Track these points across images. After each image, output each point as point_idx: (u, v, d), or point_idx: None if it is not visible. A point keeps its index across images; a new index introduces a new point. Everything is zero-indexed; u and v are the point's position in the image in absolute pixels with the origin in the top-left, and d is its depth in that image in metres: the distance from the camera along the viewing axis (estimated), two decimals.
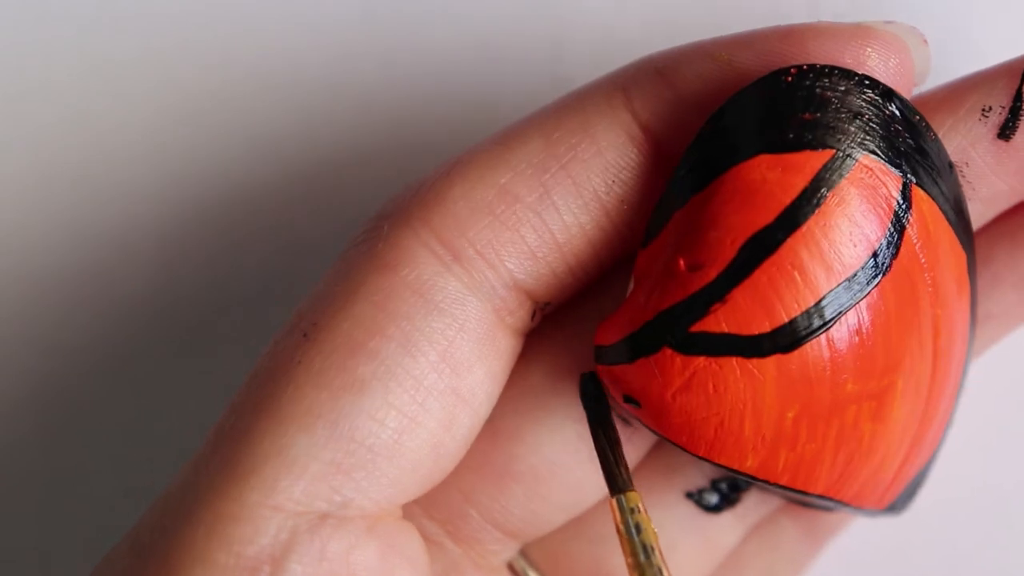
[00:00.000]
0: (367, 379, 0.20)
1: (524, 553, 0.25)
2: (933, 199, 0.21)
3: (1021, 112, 0.21)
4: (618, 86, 0.21)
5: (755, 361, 0.20)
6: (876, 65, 0.21)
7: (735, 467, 0.21)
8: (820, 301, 0.20)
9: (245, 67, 0.28)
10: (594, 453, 0.23)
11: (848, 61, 0.20)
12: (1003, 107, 0.21)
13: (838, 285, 0.20)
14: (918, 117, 0.21)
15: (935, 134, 0.21)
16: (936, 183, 0.21)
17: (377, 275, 0.21)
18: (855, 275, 0.20)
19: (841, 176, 0.20)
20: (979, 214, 0.22)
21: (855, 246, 0.20)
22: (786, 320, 0.20)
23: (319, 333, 0.21)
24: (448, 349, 0.21)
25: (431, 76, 0.28)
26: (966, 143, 0.21)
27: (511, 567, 0.25)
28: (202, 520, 0.20)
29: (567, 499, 0.24)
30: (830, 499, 0.22)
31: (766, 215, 0.20)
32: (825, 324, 0.20)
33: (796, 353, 0.20)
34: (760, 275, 0.20)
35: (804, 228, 0.20)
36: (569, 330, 0.23)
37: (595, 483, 0.23)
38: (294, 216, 0.28)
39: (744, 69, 0.21)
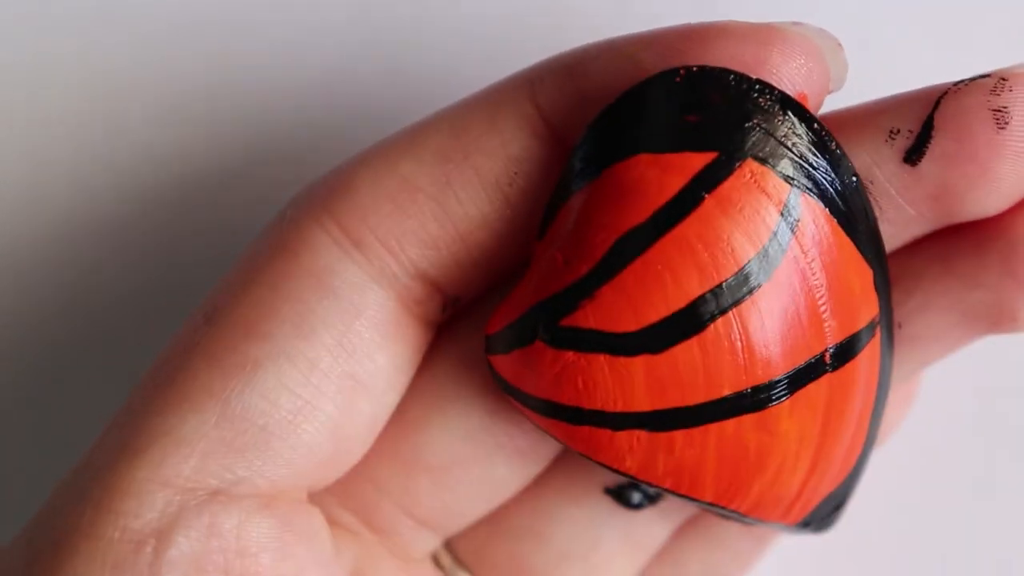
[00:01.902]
0: (260, 360, 0.21)
1: (450, 545, 0.25)
2: (829, 211, 0.20)
3: (929, 139, 0.20)
4: (526, 80, 0.22)
5: (623, 360, 0.20)
6: (779, 67, 0.20)
7: (616, 467, 0.21)
8: (691, 304, 0.20)
9: (244, 66, 0.29)
10: (500, 445, 0.23)
11: (749, 62, 0.20)
12: (911, 131, 0.20)
13: (711, 289, 0.20)
14: (816, 126, 0.20)
15: (838, 146, 0.20)
16: (833, 195, 0.20)
17: (277, 260, 0.21)
18: (730, 281, 0.20)
19: (721, 180, 0.20)
20: (892, 235, 0.21)
21: (732, 251, 0.20)
22: (654, 320, 0.20)
23: (219, 316, 0.21)
24: (345, 334, 0.21)
25: (428, 78, 0.28)
26: (871, 161, 0.21)
27: (435, 559, 0.25)
28: (91, 496, 0.20)
29: (477, 491, 0.24)
30: (723, 508, 0.22)
31: (639, 214, 0.20)
32: (697, 328, 0.20)
33: (666, 355, 0.20)
34: (629, 274, 0.20)
35: (677, 230, 0.20)
36: (478, 321, 0.23)
37: (505, 477, 0.24)
38: None
39: (647, 67, 0.21)
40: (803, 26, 0.21)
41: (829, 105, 0.22)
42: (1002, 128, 0.20)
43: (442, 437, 0.23)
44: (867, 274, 0.21)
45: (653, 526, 0.25)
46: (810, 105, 0.20)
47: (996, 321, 0.22)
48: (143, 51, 0.28)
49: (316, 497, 0.23)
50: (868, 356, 0.22)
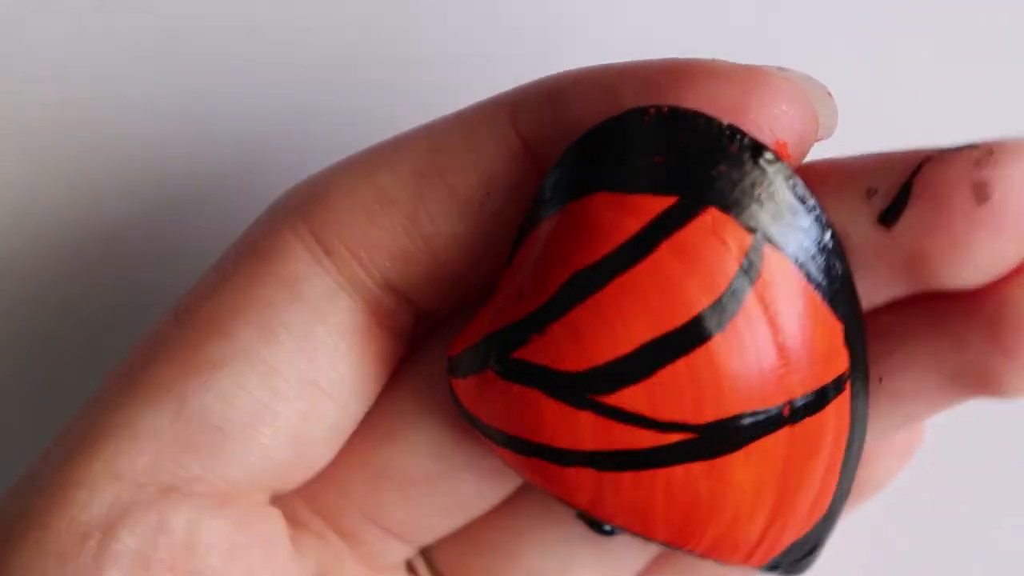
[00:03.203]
0: (219, 361, 0.21)
1: (427, 554, 0.25)
2: (795, 264, 0.20)
3: (906, 204, 0.19)
4: (508, 102, 0.21)
5: (569, 399, 0.20)
6: (758, 112, 0.19)
7: (567, 501, 0.21)
8: (639, 350, 0.19)
9: (243, 66, 0.29)
10: (469, 463, 0.23)
11: (726, 104, 0.19)
12: (889, 193, 0.19)
13: (660, 336, 0.19)
14: (789, 177, 0.19)
15: (813, 199, 0.20)
16: (801, 248, 0.20)
17: (248, 262, 0.21)
18: (681, 328, 0.19)
19: (679, 225, 0.19)
20: (871, 292, 0.21)
21: (685, 300, 0.19)
22: (600, 363, 0.20)
23: (186, 315, 0.21)
24: (308, 339, 0.21)
25: (424, 84, 0.28)
26: (847, 218, 0.20)
27: (411, 567, 0.25)
28: (45, 487, 0.20)
29: (445, 506, 0.23)
30: (679, 548, 0.22)
31: (593, 254, 0.19)
32: (644, 374, 0.19)
33: (613, 396, 0.20)
34: (579, 314, 0.20)
35: (630, 274, 0.19)
36: (451, 337, 0.23)
37: (474, 494, 0.23)
38: None
39: (625, 99, 0.20)
40: (789, 72, 0.20)
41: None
42: (981, 202, 0.19)
43: (410, 450, 0.23)
44: (837, 329, 0.20)
45: (628, 553, 0.25)
46: (791, 153, 0.20)
47: (981, 386, 0.21)
48: (144, 51, 0.29)
49: (284, 498, 0.23)
50: (836, 410, 0.21)
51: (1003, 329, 0.20)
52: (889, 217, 0.19)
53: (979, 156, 0.19)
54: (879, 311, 0.21)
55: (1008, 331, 0.20)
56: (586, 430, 0.20)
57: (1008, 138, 0.19)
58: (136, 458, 0.20)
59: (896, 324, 0.22)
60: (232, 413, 0.21)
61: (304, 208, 0.22)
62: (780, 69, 0.20)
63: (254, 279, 0.21)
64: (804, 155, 0.20)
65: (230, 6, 0.29)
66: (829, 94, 0.20)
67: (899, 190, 0.19)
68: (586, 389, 0.20)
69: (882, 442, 0.25)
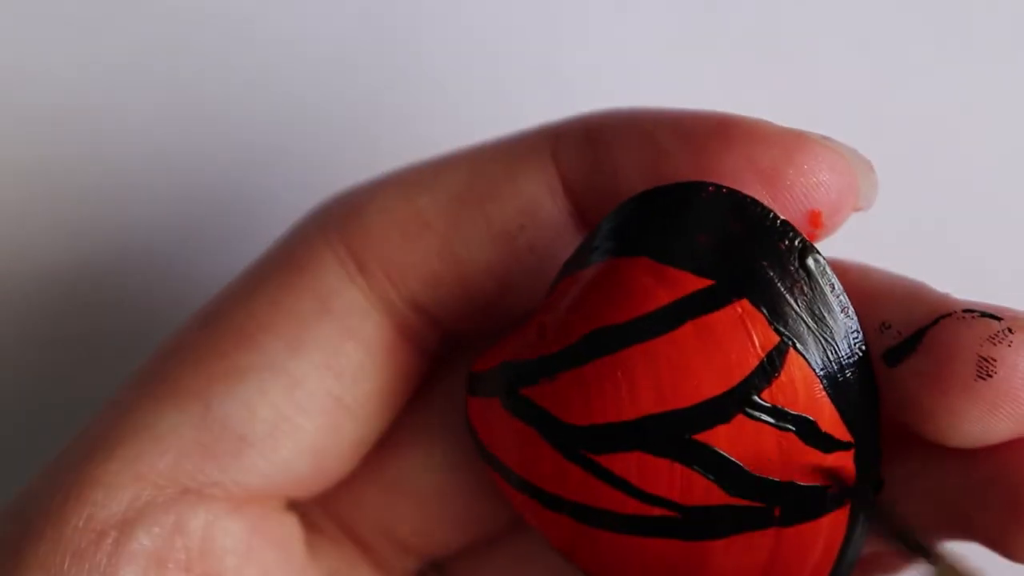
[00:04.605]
0: (245, 369, 0.21)
1: (443, 568, 0.25)
2: (816, 373, 0.19)
3: (913, 351, 0.19)
4: (551, 135, 0.21)
5: (563, 449, 0.20)
6: (795, 180, 0.19)
7: (547, 539, 0.22)
8: (639, 420, 0.19)
9: (247, 67, 0.29)
10: (484, 482, 0.23)
11: (765, 168, 0.19)
12: (900, 333, 0.19)
13: (663, 413, 0.19)
14: (832, 286, 0.19)
15: (851, 312, 0.19)
16: (826, 360, 0.19)
17: (282, 273, 0.21)
18: (685, 411, 0.19)
19: (708, 311, 0.19)
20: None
21: (697, 383, 0.19)
22: (599, 422, 0.20)
23: (214, 321, 0.21)
24: (335, 355, 0.21)
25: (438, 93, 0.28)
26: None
27: None
28: (64, 484, 0.20)
29: (458, 523, 0.23)
30: None
31: (620, 315, 0.19)
32: (638, 444, 0.19)
33: (604, 458, 0.20)
34: (591, 369, 0.20)
35: (649, 344, 0.19)
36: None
37: (487, 513, 0.23)
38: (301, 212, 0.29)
39: (665, 151, 0.20)
40: (832, 141, 0.19)
41: None
42: (982, 378, 0.18)
43: (426, 465, 0.23)
44: (847, 444, 0.20)
45: None
46: (824, 223, 0.20)
47: (993, 546, 0.20)
48: (145, 51, 0.29)
49: (301, 503, 0.23)
50: (832, 522, 0.21)
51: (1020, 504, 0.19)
52: (892, 358, 0.19)
53: (997, 330, 0.18)
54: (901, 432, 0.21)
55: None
56: (573, 482, 0.20)
57: None
58: (157, 460, 0.20)
59: (917, 450, 0.21)
60: (255, 422, 0.21)
61: (342, 223, 0.22)
62: (824, 137, 0.19)
63: (287, 290, 0.21)
64: (840, 224, 0.20)
65: (234, 8, 0.29)
66: (872, 168, 0.20)
67: (911, 335, 0.19)
68: (580, 444, 0.20)
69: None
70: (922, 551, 0.20)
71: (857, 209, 0.20)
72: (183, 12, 0.29)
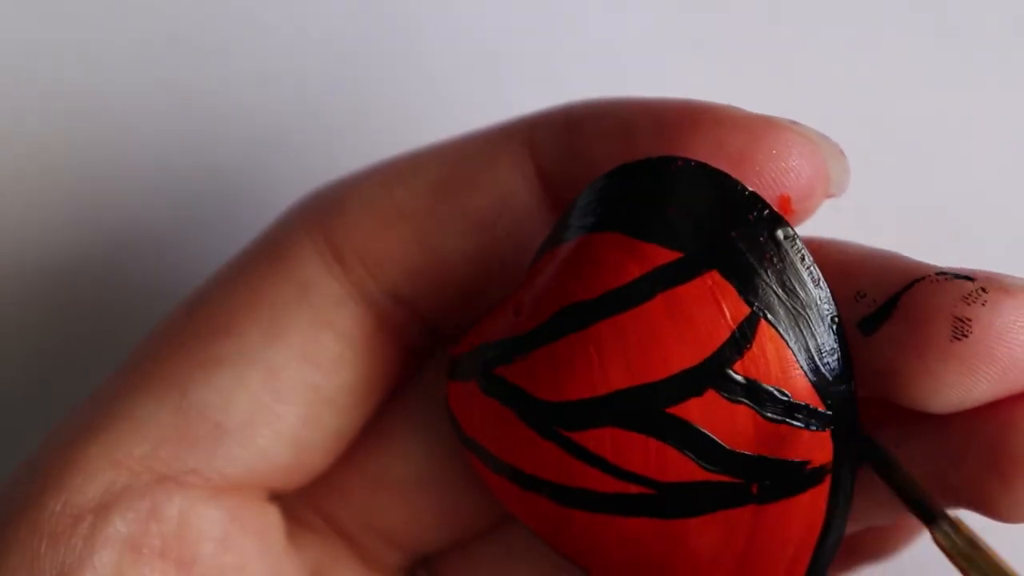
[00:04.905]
0: (223, 358, 0.21)
1: (430, 563, 0.25)
2: (787, 344, 0.19)
3: (888, 318, 0.19)
4: (527, 125, 0.22)
5: (538, 427, 0.20)
6: (763, 164, 0.19)
7: (525, 523, 0.21)
8: (611, 395, 0.19)
9: (247, 65, 0.29)
10: (467, 475, 0.23)
11: (733, 153, 0.19)
12: (875, 301, 0.19)
13: (634, 387, 0.19)
14: (804, 257, 0.19)
15: (823, 282, 0.19)
16: (800, 329, 0.19)
17: (262, 264, 0.22)
18: (656, 384, 0.19)
19: (678, 283, 0.19)
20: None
21: (667, 356, 0.19)
22: (572, 399, 0.20)
23: (196, 310, 0.22)
24: (312, 344, 0.21)
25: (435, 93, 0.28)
26: None
27: (411, 573, 0.25)
28: (45, 469, 0.21)
29: (442, 517, 0.23)
30: None
31: (591, 291, 0.19)
32: (612, 420, 0.19)
33: (577, 435, 0.20)
34: (562, 345, 0.20)
35: (619, 317, 0.19)
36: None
37: (471, 507, 0.23)
38: None
39: (637, 136, 0.20)
40: (801, 126, 0.19)
41: None
42: (957, 339, 0.18)
43: (408, 458, 0.23)
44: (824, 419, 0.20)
45: None
46: (793, 208, 0.20)
47: (974, 506, 0.20)
48: (142, 47, 0.29)
49: (284, 495, 0.23)
50: (812, 499, 0.20)
51: (1002, 456, 0.19)
52: (867, 326, 0.19)
53: (971, 290, 0.18)
54: (877, 403, 0.21)
55: (1006, 459, 0.19)
56: (549, 460, 0.20)
57: (1007, 277, 0.18)
58: (134, 447, 0.21)
59: (895, 420, 0.21)
60: (232, 411, 0.21)
61: (322, 214, 0.22)
62: (792, 123, 0.19)
63: (266, 280, 0.21)
64: (812, 211, 0.20)
65: (232, 5, 0.29)
66: (842, 152, 0.20)
67: (885, 301, 0.19)
68: (555, 421, 0.20)
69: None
70: (926, 509, 0.19)
71: (829, 195, 0.20)
72: (180, 7, 0.29)
